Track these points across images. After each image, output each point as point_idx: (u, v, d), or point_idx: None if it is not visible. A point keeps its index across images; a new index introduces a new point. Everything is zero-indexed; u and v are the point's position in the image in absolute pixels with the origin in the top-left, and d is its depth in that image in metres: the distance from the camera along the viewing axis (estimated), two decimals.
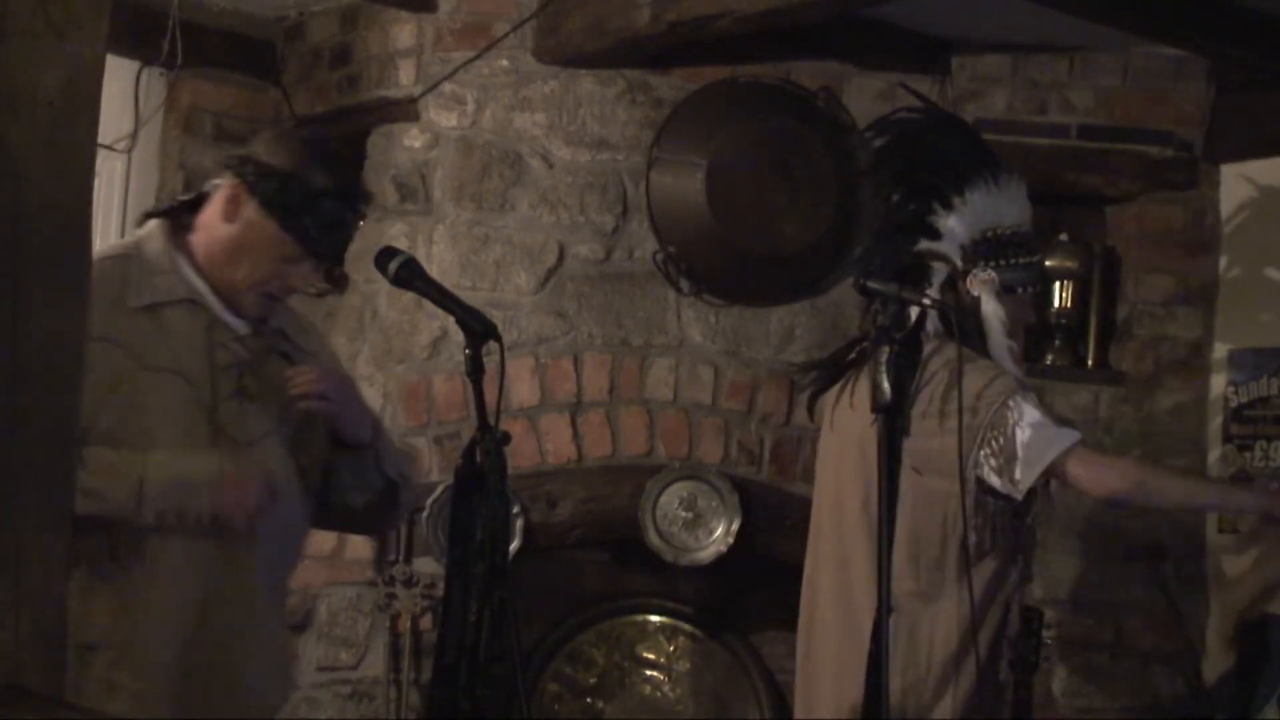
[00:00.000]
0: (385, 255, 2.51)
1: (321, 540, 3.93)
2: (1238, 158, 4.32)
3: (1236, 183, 4.34)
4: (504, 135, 4.15)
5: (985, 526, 2.98)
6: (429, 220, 4.12)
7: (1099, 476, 3.01)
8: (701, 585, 4.47)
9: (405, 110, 4.17)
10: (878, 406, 2.38)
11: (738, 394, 4.23)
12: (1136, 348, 4.38)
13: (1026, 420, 2.94)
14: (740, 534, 4.15)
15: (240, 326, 2.60)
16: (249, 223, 2.56)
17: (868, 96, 4.31)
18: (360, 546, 3.97)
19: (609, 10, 3.90)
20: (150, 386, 2.48)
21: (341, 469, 2.66)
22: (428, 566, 3.97)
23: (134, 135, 4.29)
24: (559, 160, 4.16)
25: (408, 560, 3.98)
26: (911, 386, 2.89)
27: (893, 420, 2.37)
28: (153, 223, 2.64)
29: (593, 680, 4.48)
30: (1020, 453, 2.93)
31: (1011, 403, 2.95)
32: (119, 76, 4.17)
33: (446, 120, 4.14)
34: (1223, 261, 4.37)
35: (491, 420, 2.33)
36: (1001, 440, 2.93)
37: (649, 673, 4.52)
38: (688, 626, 4.52)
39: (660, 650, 4.53)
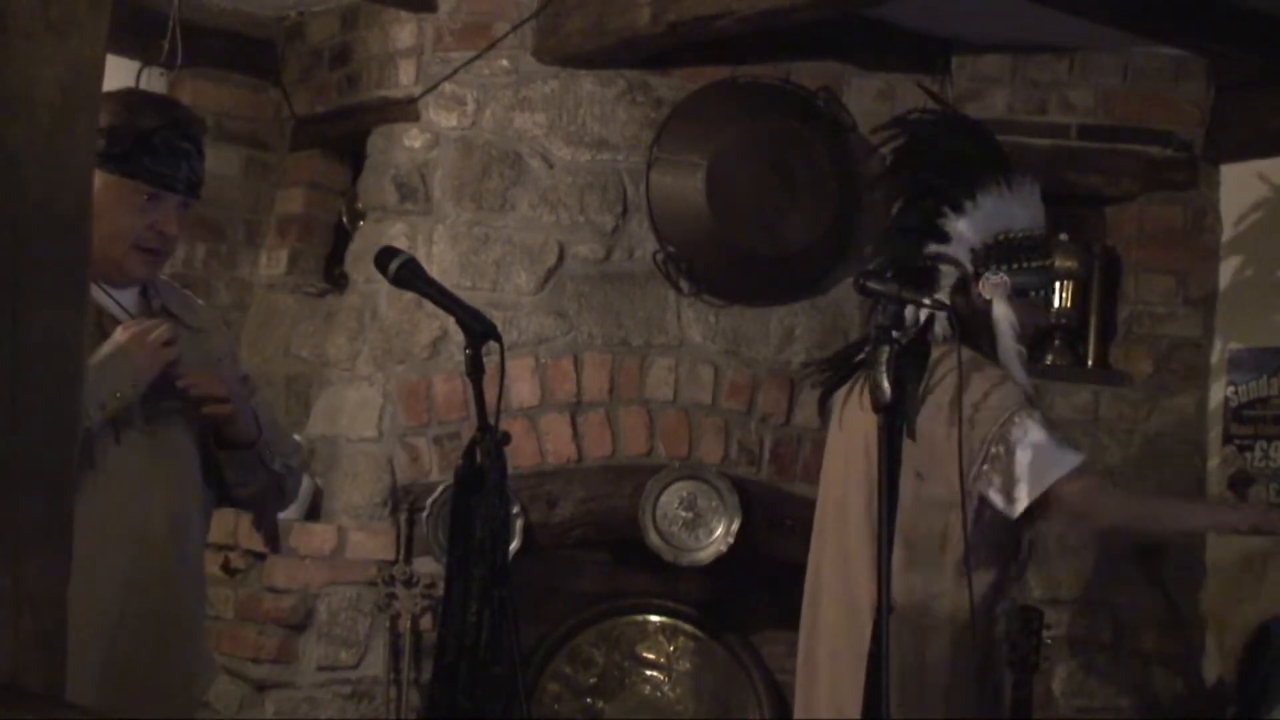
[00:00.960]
0: (385, 255, 2.51)
1: (321, 540, 3.94)
2: (1238, 158, 4.32)
3: (1236, 183, 4.34)
4: (504, 135, 4.15)
5: (981, 538, 2.97)
6: (429, 220, 4.12)
7: (1094, 510, 3.01)
8: (701, 585, 4.47)
9: (405, 110, 4.17)
10: (877, 406, 2.38)
11: (738, 394, 4.23)
12: (1136, 348, 4.38)
13: (1030, 439, 2.93)
14: (740, 534, 4.15)
15: (124, 311, 2.59)
16: (98, 189, 2.56)
17: (868, 96, 4.31)
18: (360, 546, 3.97)
19: (609, 10, 3.90)
20: None
21: (225, 466, 2.66)
22: (428, 566, 3.97)
23: None
24: (559, 160, 4.16)
25: (408, 560, 3.98)
26: (918, 389, 2.90)
27: (892, 420, 2.37)
28: None
29: (593, 680, 4.48)
30: (1021, 473, 2.93)
31: (1017, 419, 2.93)
32: (119, 76, 4.17)
33: (446, 120, 4.14)
34: (1223, 261, 4.37)
35: (491, 420, 2.33)
36: (1004, 457, 2.92)
37: (649, 673, 4.52)
38: (688, 626, 4.52)
39: (660, 650, 4.53)
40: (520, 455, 4.01)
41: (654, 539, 4.14)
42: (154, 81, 4.32)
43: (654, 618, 4.53)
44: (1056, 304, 4.36)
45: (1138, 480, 4.27)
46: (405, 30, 4.19)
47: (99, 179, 2.48)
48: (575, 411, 4.15)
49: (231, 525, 4.03)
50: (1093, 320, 4.43)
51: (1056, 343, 4.40)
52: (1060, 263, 4.32)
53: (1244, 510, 3.11)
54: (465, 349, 2.40)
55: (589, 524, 4.17)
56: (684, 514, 4.17)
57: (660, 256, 4.18)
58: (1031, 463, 2.93)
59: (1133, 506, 3.14)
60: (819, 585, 3.17)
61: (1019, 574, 3.12)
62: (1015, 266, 3.07)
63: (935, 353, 2.93)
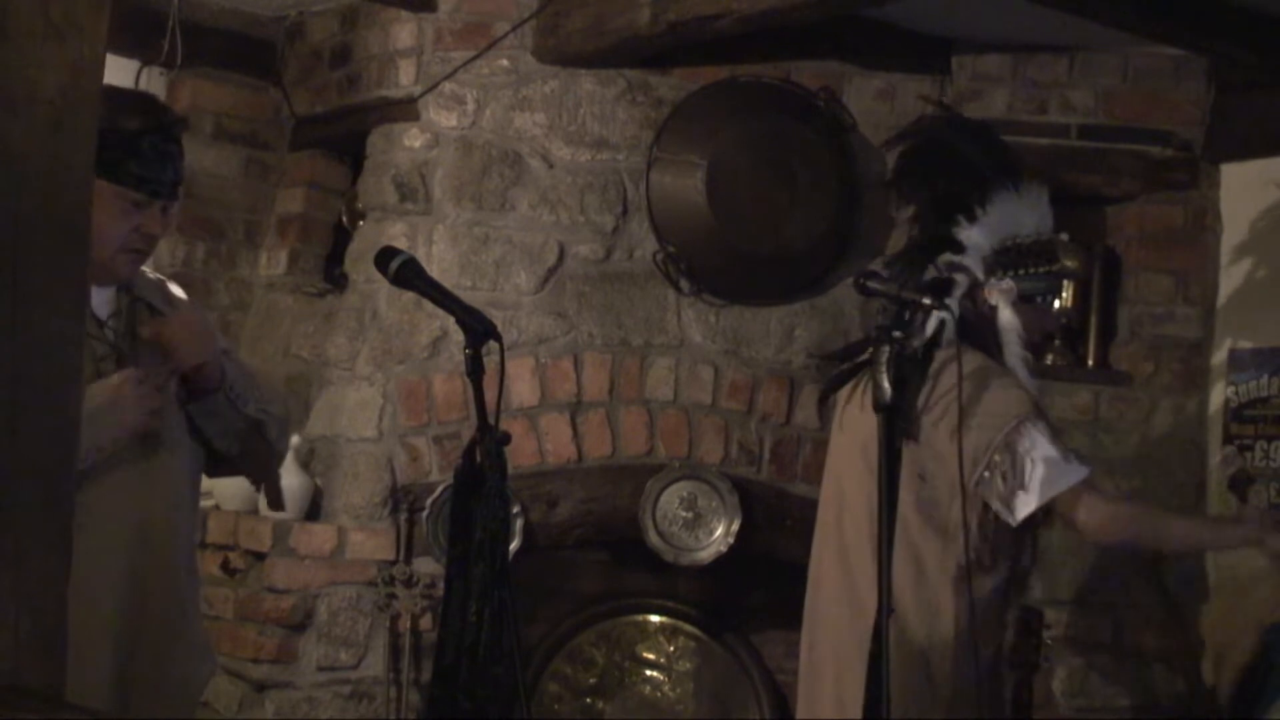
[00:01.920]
0: (385, 255, 2.51)
1: (321, 540, 3.94)
2: (1238, 158, 4.32)
3: (1236, 183, 4.34)
4: (504, 135, 4.15)
5: (985, 543, 2.97)
6: (429, 220, 4.12)
7: (1099, 524, 2.99)
8: (701, 585, 4.47)
9: (405, 110, 4.17)
10: (878, 406, 2.38)
11: (738, 394, 4.23)
12: (1137, 348, 4.38)
13: (1036, 449, 2.92)
14: (740, 534, 4.15)
15: (102, 308, 2.61)
16: None
17: (868, 96, 4.31)
18: (360, 546, 3.97)
19: (609, 10, 3.90)
20: None
21: (197, 417, 2.68)
22: (428, 566, 3.97)
23: None
24: (559, 160, 4.16)
25: (408, 560, 3.98)
26: (922, 392, 2.90)
27: (892, 420, 2.37)
28: None
29: (593, 680, 4.48)
30: (1024, 482, 2.92)
31: (1023, 427, 2.92)
32: (119, 76, 4.17)
33: (446, 120, 4.14)
34: (1223, 261, 4.37)
35: (491, 420, 2.33)
36: (1007, 464, 2.92)
37: (649, 673, 4.52)
38: (688, 626, 4.52)
39: (660, 650, 4.53)
40: (520, 455, 4.01)
41: (654, 539, 4.14)
42: (154, 81, 4.32)
43: (654, 618, 4.53)
44: (1057, 304, 4.35)
45: (1137, 480, 4.27)
46: (405, 30, 4.19)
47: None
48: (575, 411, 4.15)
49: (231, 525, 4.03)
50: (1093, 320, 4.43)
51: (1057, 343, 4.40)
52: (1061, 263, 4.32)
53: (1251, 525, 3.09)
54: (465, 349, 2.40)
55: (589, 524, 4.17)
56: (684, 514, 4.17)
57: (660, 256, 4.18)
58: (1036, 472, 2.92)
59: (1137, 523, 3.11)
60: (820, 585, 3.17)
61: (1022, 581, 3.11)
62: (1022, 272, 3.06)
63: (941, 355, 2.93)
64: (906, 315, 2.53)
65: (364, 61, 4.28)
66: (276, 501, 2.95)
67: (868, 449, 2.95)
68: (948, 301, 2.88)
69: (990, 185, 3.07)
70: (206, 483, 2.93)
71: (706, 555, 4.18)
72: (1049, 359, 4.38)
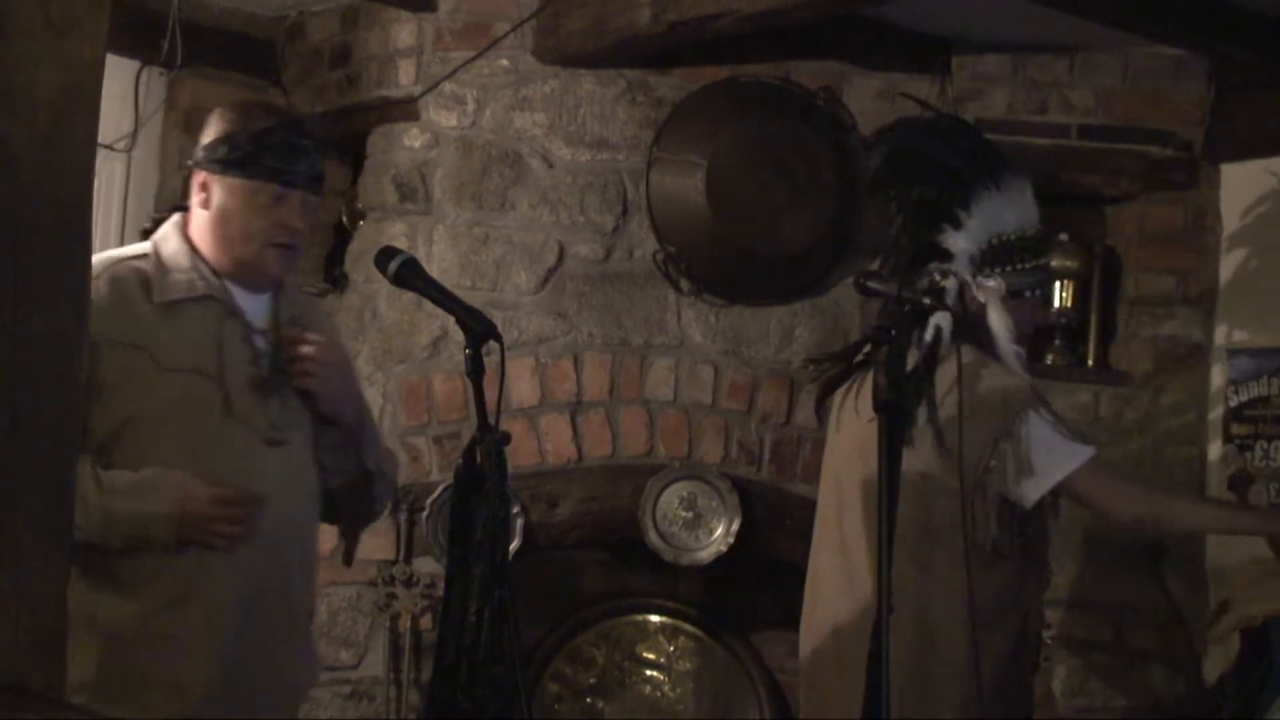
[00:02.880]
0: (385, 255, 2.51)
1: (322, 540, 3.92)
2: (1238, 158, 4.32)
3: (1236, 183, 4.34)
4: (504, 135, 4.15)
5: (1003, 529, 2.97)
6: (429, 220, 4.12)
7: (1109, 501, 3.02)
8: (701, 585, 4.47)
9: (405, 110, 4.17)
10: (878, 406, 2.38)
11: (738, 394, 4.23)
12: (1137, 348, 4.38)
13: (1039, 434, 2.93)
14: (740, 534, 4.15)
15: (259, 319, 2.64)
16: (223, 195, 2.62)
17: (868, 96, 4.31)
18: (360, 546, 3.96)
19: (609, 10, 3.90)
20: (173, 387, 2.52)
21: (321, 445, 2.70)
22: (428, 566, 3.97)
23: (134, 135, 4.29)
24: (559, 160, 4.16)
25: (408, 560, 3.98)
26: (920, 398, 2.91)
27: (892, 420, 2.37)
28: (167, 224, 2.70)
29: (593, 680, 4.48)
30: (1032, 467, 2.93)
31: (1026, 415, 2.93)
32: (119, 76, 4.17)
33: (446, 120, 4.14)
34: (1223, 261, 4.37)
35: (491, 420, 2.33)
36: (1015, 451, 2.93)
37: (649, 673, 4.52)
38: (688, 626, 4.52)
39: (660, 650, 4.53)
40: (520, 455, 4.01)
41: (654, 539, 4.14)
42: (154, 81, 4.32)
43: (654, 618, 4.52)
44: (1057, 304, 4.36)
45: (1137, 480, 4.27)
46: (405, 30, 4.19)
47: (225, 185, 2.61)
48: (575, 411, 4.15)
49: None
50: (1093, 320, 4.43)
51: (1056, 343, 4.40)
52: (1060, 263, 4.32)
53: (1261, 514, 3.10)
54: (465, 349, 2.40)
55: (589, 524, 4.17)
56: (684, 514, 4.17)
57: (660, 256, 4.18)
58: (1041, 456, 2.93)
59: (1147, 502, 3.13)
60: (819, 585, 3.17)
61: (1043, 569, 3.11)
62: (1009, 268, 3.06)
63: (942, 355, 2.94)
64: (906, 316, 2.54)
65: (364, 61, 4.28)
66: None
67: (865, 450, 2.96)
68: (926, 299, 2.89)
69: (971, 187, 3.07)
70: None
71: (706, 555, 4.18)
72: (1049, 359, 4.39)
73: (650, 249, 4.19)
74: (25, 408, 1.54)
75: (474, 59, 4.11)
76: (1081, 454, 2.97)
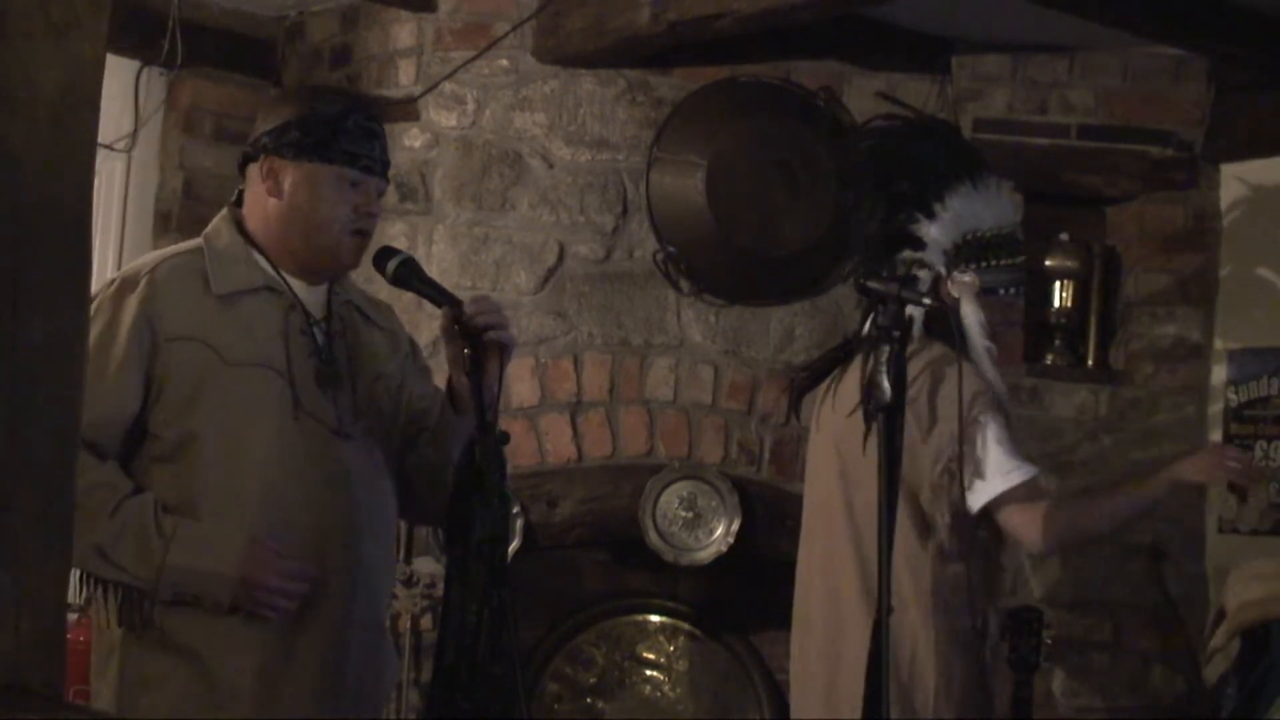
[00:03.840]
0: (384, 255, 2.50)
1: None
2: (1238, 158, 4.32)
3: (1236, 183, 4.34)
4: (504, 135, 4.15)
5: (952, 534, 2.98)
6: (429, 220, 4.12)
7: (1030, 529, 2.99)
8: (701, 585, 4.47)
9: (405, 110, 4.17)
10: (878, 406, 2.38)
11: (738, 394, 4.23)
12: (1137, 348, 4.38)
13: (992, 440, 2.95)
14: (740, 534, 4.15)
15: (316, 310, 2.58)
16: (298, 181, 2.53)
17: (868, 96, 4.31)
18: None
19: (609, 10, 3.90)
20: (237, 381, 2.47)
21: (452, 429, 2.56)
22: (428, 566, 3.97)
23: (134, 135, 4.29)
24: (559, 160, 4.17)
25: (408, 560, 3.98)
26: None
27: (892, 420, 2.37)
28: (218, 218, 2.63)
29: (593, 680, 4.48)
30: (983, 473, 2.94)
31: (983, 419, 2.95)
32: (119, 76, 4.17)
33: (446, 120, 4.14)
34: (1223, 261, 4.37)
35: (491, 420, 2.33)
36: (970, 455, 2.93)
37: (649, 673, 4.52)
38: (688, 626, 4.52)
39: (660, 650, 4.53)
40: (520, 455, 4.01)
41: (654, 539, 4.15)
42: (154, 81, 4.32)
43: (654, 618, 4.52)
44: (1056, 304, 4.36)
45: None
46: (405, 30, 4.19)
47: (300, 172, 2.51)
48: (575, 411, 4.15)
49: None
50: (1093, 320, 4.42)
51: (1056, 343, 4.40)
52: (1060, 263, 4.33)
53: (1168, 472, 3.07)
54: (465, 349, 2.40)
55: (589, 524, 4.17)
56: (684, 514, 4.17)
57: (660, 256, 4.18)
58: (989, 465, 2.94)
59: (1068, 523, 3.07)
60: (808, 588, 3.18)
61: (995, 578, 3.12)
62: (984, 265, 3.07)
63: (912, 349, 2.94)
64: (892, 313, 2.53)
65: (364, 61, 4.29)
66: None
67: (840, 448, 3.00)
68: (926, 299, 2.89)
69: (947, 182, 3.07)
70: None
71: (706, 555, 4.18)
72: (1049, 359, 4.39)
73: (650, 249, 4.19)
74: (25, 408, 1.54)
75: (474, 59, 4.12)
76: (1021, 473, 2.96)
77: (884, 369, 2.38)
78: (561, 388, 4.14)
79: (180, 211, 4.44)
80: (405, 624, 3.96)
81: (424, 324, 4.05)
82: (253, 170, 2.57)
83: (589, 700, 4.48)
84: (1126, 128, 4.31)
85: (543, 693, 4.40)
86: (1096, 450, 4.28)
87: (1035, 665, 3.28)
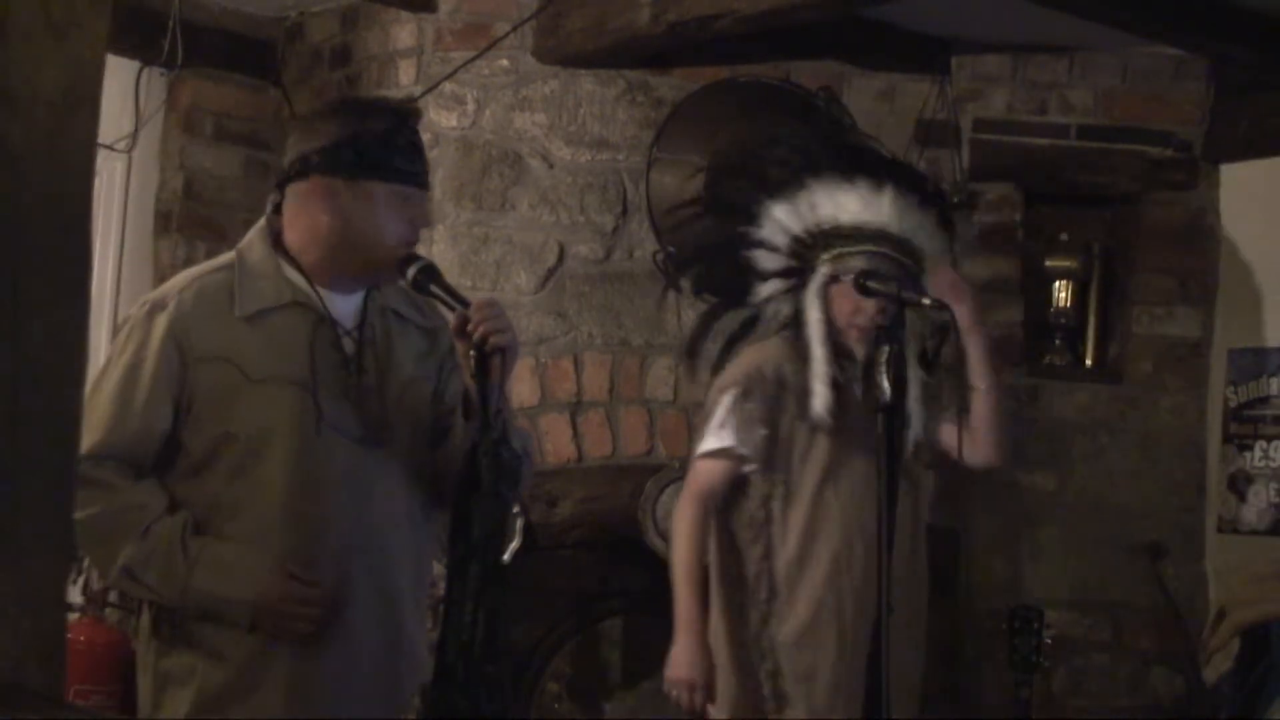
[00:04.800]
0: (405, 261, 2.48)
1: None
2: (1238, 158, 4.32)
3: (1236, 183, 4.34)
4: (504, 135, 4.15)
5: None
6: None
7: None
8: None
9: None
10: (878, 406, 2.38)
11: None
12: (1136, 348, 4.37)
13: (710, 418, 3.14)
14: None
15: (348, 319, 2.56)
16: (355, 201, 2.50)
17: (868, 96, 4.31)
18: None
19: (609, 10, 3.91)
20: (260, 398, 2.47)
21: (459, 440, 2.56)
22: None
23: (134, 135, 4.29)
24: (559, 160, 4.17)
25: None
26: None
27: (892, 420, 2.37)
28: (251, 232, 2.61)
29: (593, 680, 4.48)
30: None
31: (719, 397, 3.12)
32: (119, 76, 4.17)
33: (446, 120, 4.14)
34: (1223, 261, 4.37)
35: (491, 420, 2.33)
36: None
37: (649, 672, 4.51)
38: None
39: (660, 650, 4.51)
40: None
41: (654, 539, 4.14)
42: (154, 81, 4.32)
43: (654, 618, 4.51)
44: (1056, 304, 4.36)
45: (1137, 480, 4.27)
46: (405, 30, 4.19)
47: (356, 191, 2.48)
48: (575, 411, 4.15)
49: None
50: (1092, 320, 4.42)
51: (1056, 343, 4.40)
52: (1060, 263, 4.33)
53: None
54: (469, 350, 2.40)
55: (589, 524, 4.17)
56: None
57: (660, 256, 4.18)
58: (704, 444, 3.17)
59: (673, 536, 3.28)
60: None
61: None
62: (832, 254, 3.05)
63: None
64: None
65: (364, 62, 4.29)
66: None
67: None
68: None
69: (817, 170, 3.08)
70: None
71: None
72: (1048, 359, 4.39)
73: (650, 249, 4.19)
74: (25, 408, 1.54)
75: (474, 59, 4.11)
76: (703, 446, 3.15)
77: (884, 369, 2.38)
78: (561, 388, 4.13)
79: (180, 211, 4.45)
80: None
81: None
82: (299, 188, 2.53)
83: (589, 700, 4.48)
84: (1126, 128, 4.31)
85: (543, 693, 4.39)
86: (1096, 450, 4.28)
87: (1035, 665, 3.28)
